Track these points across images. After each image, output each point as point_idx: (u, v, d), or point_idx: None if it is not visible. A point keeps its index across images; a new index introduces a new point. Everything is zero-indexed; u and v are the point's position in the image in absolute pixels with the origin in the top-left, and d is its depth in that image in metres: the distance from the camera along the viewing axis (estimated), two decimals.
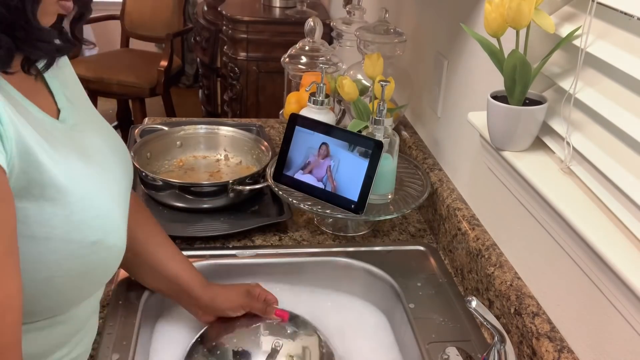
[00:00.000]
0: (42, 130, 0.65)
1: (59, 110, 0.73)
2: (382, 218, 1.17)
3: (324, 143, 1.16)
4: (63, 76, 0.77)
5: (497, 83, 0.91)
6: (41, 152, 0.61)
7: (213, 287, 1.00)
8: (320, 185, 1.16)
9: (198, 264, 1.10)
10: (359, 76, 1.43)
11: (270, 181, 1.23)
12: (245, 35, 2.57)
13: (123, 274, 1.07)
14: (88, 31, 3.90)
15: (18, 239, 0.59)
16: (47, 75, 0.73)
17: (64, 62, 0.78)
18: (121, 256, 0.73)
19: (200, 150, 1.47)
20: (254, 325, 1.00)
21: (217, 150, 1.47)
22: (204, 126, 1.48)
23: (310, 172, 1.17)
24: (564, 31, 0.83)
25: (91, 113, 0.82)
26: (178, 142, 1.45)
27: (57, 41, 0.70)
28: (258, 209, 1.30)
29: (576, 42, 0.81)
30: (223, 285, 1.02)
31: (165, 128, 1.45)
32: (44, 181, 0.61)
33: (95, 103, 3.44)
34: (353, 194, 1.13)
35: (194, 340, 0.98)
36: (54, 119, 0.71)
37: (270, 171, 1.24)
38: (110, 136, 0.83)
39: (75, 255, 0.65)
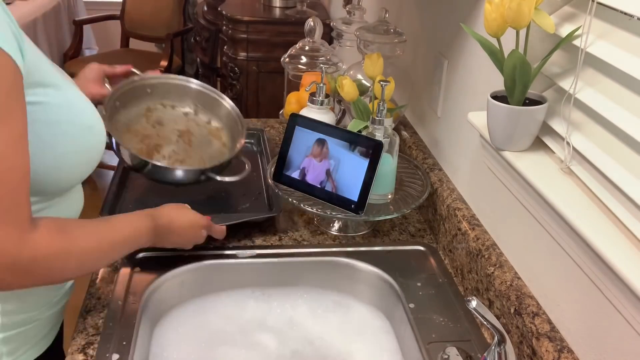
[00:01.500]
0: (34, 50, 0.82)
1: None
2: (382, 218, 1.17)
3: (319, 140, 1.16)
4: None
5: (497, 83, 0.91)
6: (40, 60, 0.82)
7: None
8: (320, 185, 1.16)
9: (198, 264, 1.10)
10: (359, 76, 1.43)
11: (270, 181, 1.23)
12: (245, 35, 2.57)
13: (123, 274, 1.07)
14: (88, 31, 3.90)
15: (37, 124, 0.79)
16: None
17: None
18: (104, 145, 0.94)
19: (169, 99, 1.38)
20: None
21: (186, 102, 1.39)
22: (178, 77, 1.41)
23: (304, 177, 1.17)
24: (564, 31, 0.83)
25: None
26: (148, 89, 1.36)
27: None
28: (249, 207, 1.30)
29: (576, 42, 0.81)
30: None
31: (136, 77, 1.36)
32: (47, 80, 0.82)
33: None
34: (353, 194, 1.13)
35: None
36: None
37: (270, 171, 1.24)
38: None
39: (78, 136, 0.87)
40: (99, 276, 1.08)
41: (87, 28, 3.82)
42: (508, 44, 0.86)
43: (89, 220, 0.88)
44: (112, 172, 1.38)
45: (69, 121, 0.85)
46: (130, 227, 0.94)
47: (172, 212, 1.03)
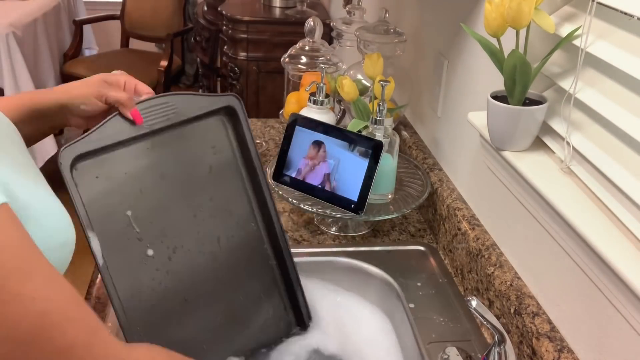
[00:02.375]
0: None
1: None
2: (382, 218, 1.17)
3: (315, 142, 1.16)
4: None
5: (497, 83, 0.91)
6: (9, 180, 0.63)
7: (61, 86, 0.88)
8: (320, 185, 1.16)
9: None
10: (359, 76, 1.43)
11: (270, 181, 1.23)
12: (245, 35, 2.57)
13: None
14: (88, 31, 3.90)
15: None
16: None
17: None
18: (74, 244, 0.74)
19: None
20: None
21: None
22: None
23: (304, 179, 1.17)
24: (564, 31, 0.83)
25: None
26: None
27: None
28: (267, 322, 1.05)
29: (576, 42, 0.81)
30: (75, 82, 0.89)
31: None
32: (19, 205, 0.63)
33: None
34: (353, 194, 1.13)
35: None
36: None
37: (270, 171, 1.24)
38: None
39: (57, 259, 0.67)
40: (99, 276, 1.08)
41: (87, 28, 3.82)
42: (508, 44, 0.86)
43: None
44: None
45: (44, 249, 0.64)
46: None
47: None
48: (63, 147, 0.78)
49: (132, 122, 0.83)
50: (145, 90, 0.89)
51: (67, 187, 0.78)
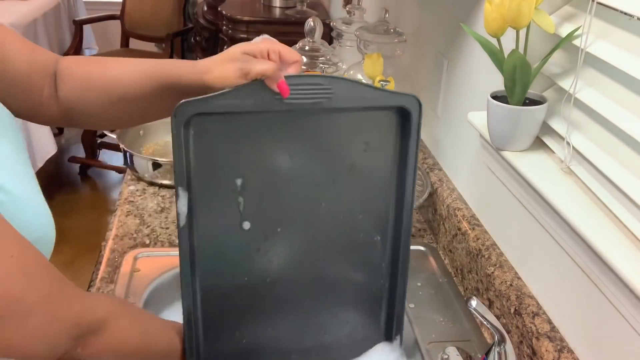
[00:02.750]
0: None
1: None
2: None
3: None
4: None
5: (497, 83, 0.91)
6: None
7: (203, 63, 0.80)
8: None
9: None
10: (359, 76, 1.43)
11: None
12: (245, 35, 2.56)
13: (123, 274, 1.07)
14: (88, 31, 3.90)
15: None
16: None
17: None
18: (53, 244, 0.70)
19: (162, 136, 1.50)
20: None
21: None
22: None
23: None
24: (564, 31, 0.83)
25: None
26: (140, 132, 1.48)
27: None
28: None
29: (576, 42, 0.81)
30: (215, 58, 0.80)
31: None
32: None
33: None
34: None
35: None
36: None
37: None
38: None
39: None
40: (99, 276, 1.08)
41: (87, 28, 3.82)
42: (508, 44, 0.86)
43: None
44: (112, 172, 1.38)
45: None
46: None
47: None
48: (182, 102, 0.72)
49: (278, 95, 0.74)
50: (292, 57, 0.77)
51: (172, 139, 0.73)
